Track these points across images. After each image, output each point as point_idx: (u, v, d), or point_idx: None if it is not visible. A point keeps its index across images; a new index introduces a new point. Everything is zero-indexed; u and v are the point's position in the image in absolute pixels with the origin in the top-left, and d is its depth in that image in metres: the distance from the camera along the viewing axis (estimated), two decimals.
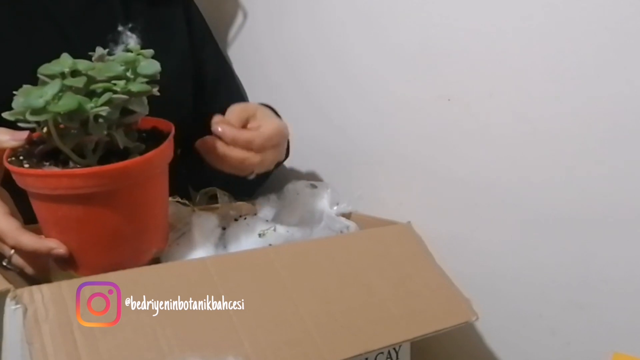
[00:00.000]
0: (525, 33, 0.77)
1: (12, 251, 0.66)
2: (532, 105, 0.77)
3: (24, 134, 0.67)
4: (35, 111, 0.60)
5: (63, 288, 0.56)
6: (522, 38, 0.77)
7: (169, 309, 0.59)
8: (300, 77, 1.08)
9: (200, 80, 1.05)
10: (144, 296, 0.59)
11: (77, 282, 0.57)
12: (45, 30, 0.87)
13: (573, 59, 0.73)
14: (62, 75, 0.62)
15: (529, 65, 0.77)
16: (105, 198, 0.63)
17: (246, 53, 1.19)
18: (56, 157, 0.65)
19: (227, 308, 0.63)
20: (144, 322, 0.58)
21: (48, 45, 0.86)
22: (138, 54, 0.67)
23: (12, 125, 0.65)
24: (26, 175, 0.63)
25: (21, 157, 0.66)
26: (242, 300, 0.64)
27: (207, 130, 0.82)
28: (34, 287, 0.55)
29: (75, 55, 0.86)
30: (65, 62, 0.63)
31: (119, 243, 0.67)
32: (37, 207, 0.66)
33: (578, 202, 0.74)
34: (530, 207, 0.79)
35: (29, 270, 0.68)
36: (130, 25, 0.92)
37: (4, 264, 0.68)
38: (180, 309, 0.60)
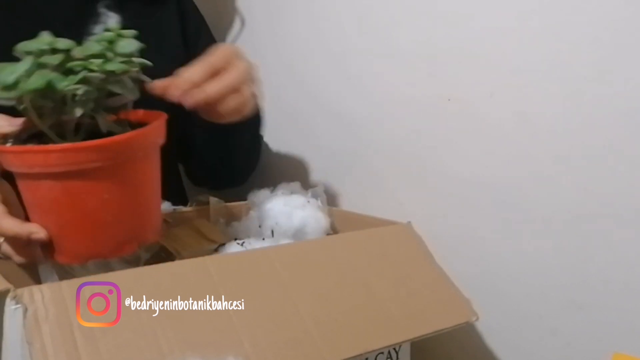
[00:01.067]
0: (525, 33, 0.77)
1: (2, 239, 0.66)
2: (533, 105, 0.77)
3: (20, 120, 0.66)
4: (7, 87, 0.58)
5: (63, 288, 0.56)
6: (523, 38, 0.77)
7: (169, 309, 0.59)
8: (300, 78, 1.08)
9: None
10: (144, 296, 0.59)
11: (77, 282, 0.57)
12: (37, 32, 0.87)
13: (573, 58, 0.73)
14: (40, 53, 0.60)
15: (529, 65, 0.77)
16: (83, 178, 0.61)
17: (246, 53, 1.19)
18: (40, 138, 0.64)
19: (227, 308, 0.63)
20: (144, 322, 0.58)
21: None
22: (117, 34, 0.65)
23: (12, 113, 0.64)
24: (5, 153, 0.62)
25: (10, 140, 0.65)
26: (242, 300, 0.64)
27: (199, 125, 0.80)
28: (34, 287, 0.55)
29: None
30: (43, 39, 0.62)
31: (99, 229, 0.64)
32: (20, 187, 0.64)
33: (578, 202, 0.74)
34: (530, 206, 0.79)
35: (17, 258, 0.67)
36: (106, 2, 0.91)
37: None
38: (180, 309, 0.60)
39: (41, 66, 0.60)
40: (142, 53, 0.95)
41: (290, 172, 1.11)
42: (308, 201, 0.89)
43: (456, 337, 0.84)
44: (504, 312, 0.83)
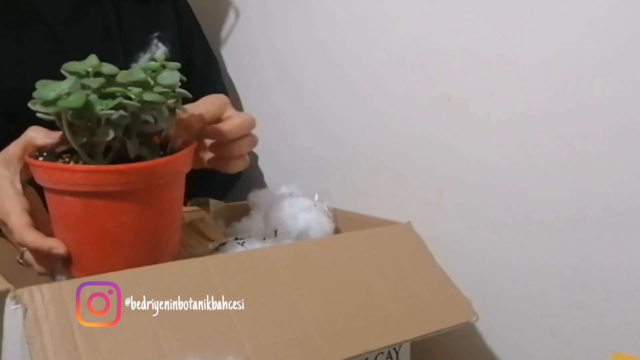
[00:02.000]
0: (525, 33, 0.77)
1: (25, 248, 0.68)
2: (533, 105, 0.77)
3: (57, 134, 0.68)
4: (46, 103, 0.61)
5: (63, 288, 0.56)
6: (523, 38, 0.77)
7: (169, 309, 0.59)
8: (296, 78, 1.08)
9: (187, 77, 1.04)
10: (144, 296, 0.59)
11: (77, 282, 0.57)
12: (36, 32, 0.87)
13: (573, 58, 0.73)
14: (84, 74, 0.64)
15: (529, 65, 0.77)
16: (104, 199, 0.63)
17: (239, 54, 1.19)
18: (72, 155, 0.67)
19: (227, 308, 0.63)
20: (144, 322, 0.58)
21: (39, 47, 0.86)
22: (162, 64, 0.67)
23: (52, 127, 0.66)
24: (34, 167, 0.65)
25: (44, 154, 0.68)
26: (242, 300, 0.64)
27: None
28: (34, 287, 0.55)
29: (66, 57, 0.86)
30: (90, 62, 0.65)
31: (115, 250, 0.66)
32: (47, 200, 0.67)
33: (578, 202, 0.74)
34: (530, 207, 0.79)
35: (37, 268, 0.69)
36: (157, 34, 0.92)
37: (18, 259, 0.70)
38: (180, 309, 0.60)
39: (83, 87, 0.62)
40: (140, 50, 0.95)
41: (290, 172, 1.11)
42: (314, 204, 0.89)
43: (456, 337, 0.84)
44: (504, 312, 0.83)
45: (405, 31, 0.90)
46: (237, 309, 0.63)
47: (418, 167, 0.90)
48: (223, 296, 0.63)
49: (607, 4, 0.69)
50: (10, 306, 0.53)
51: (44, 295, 0.55)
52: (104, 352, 0.54)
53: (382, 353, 0.78)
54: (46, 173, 0.64)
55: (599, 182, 0.72)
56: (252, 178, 1.12)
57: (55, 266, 0.68)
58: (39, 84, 0.63)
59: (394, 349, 0.79)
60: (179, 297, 0.61)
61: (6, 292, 0.54)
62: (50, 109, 0.61)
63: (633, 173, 0.70)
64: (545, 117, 0.76)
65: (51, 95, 0.61)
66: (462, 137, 0.84)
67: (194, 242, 0.83)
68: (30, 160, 0.66)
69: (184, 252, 0.79)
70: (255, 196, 0.94)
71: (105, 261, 0.66)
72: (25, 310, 0.53)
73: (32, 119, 0.83)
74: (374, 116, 0.96)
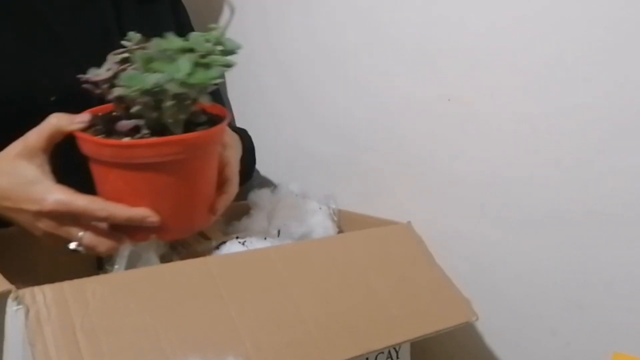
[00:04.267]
0: (525, 32, 0.77)
1: (81, 233, 0.68)
2: (533, 105, 0.77)
3: (84, 116, 0.70)
4: (181, 83, 0.65)
5: (65, 289, 0.56)
6: (523, 38, 0.77)
7: (170, 309, 0.59)
8: (296, 77, 1.08)
9: None
10: (146, 296, 0.59)
11: (78, 282, 0.57)
12: (37, 31, 0.86)
13: (573, 58, 0.73)
14: (187, 51, 0.67)
15: (529, 64, 0.77)
16: (181, 166, 0.69)
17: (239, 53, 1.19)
18: (110, 134, 0.69)
19: (228, 308, 0.63)
20: (146, 322, 0.58)
21: (40, 46, 0.86)
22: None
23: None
24: (115, 147, 0.67)
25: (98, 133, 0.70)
26: (243, 300, 0.64)
27: None
28: (36, 288, 0.55)
29: (67, 57, 0.87)
30: (176, 41, 0.69)
31: (190, 208, 0.73)
32: (121, 177, 0.68)
33: (578, 202, 0.74)
34: (530, 207, 0.79)
35: (102, 248, 0.69)
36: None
37: (72, 247, 0.69)
38: (181, 309, 0.60)
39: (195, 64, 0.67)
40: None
41: (290, 172, 1.10)
42: (320, 207, 0.89)
43: (456, 337, 0.84)
44: (504, 312, 0.83)
45: (405, 31, 0.90)
46: (238, 309, 0.63)
47: (418, 167, 0.90)
48: (224, 296, 0.63)
49: (606, 5, 0.69)
50: (12, 307, 0.53)
51: (46, 296, 0.55)
52: (106, 353, 0.54)
53: (382, 353, 0.78)
54: (152, 149, 0.67)
55: (599, 182, 0.73)
56: (252, 178, 1.12)
57: (120, 243, 0.69)
58: (125, 77, 0.66)
59: (394, 349, 0.79)
60: (180, 297, 0.61)
61: (8, 292, 0.53)
62: (182, 89, 0.65)
63: (633, 173, 0.70)
64: (545, 117, 0.76)
65: (179, 75, 0.65)
66: (463, 137, 0.84)
67: (193, 241, 0.83)
68: (107, 141, 0.67)
69: (183, 252, 0.79)
70: (255, 195, 0.94)
71: (184, 220, 0.72)
72: (27, 311, 0.53)
73: (33, 116, 0.82)
74: (374, 116, 0.96)
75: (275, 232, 0.86)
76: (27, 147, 0.70)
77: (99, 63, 0.89)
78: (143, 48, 0.70)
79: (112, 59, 0.72)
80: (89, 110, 0.73)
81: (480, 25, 0.81)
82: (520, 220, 0.80)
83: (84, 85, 0.71)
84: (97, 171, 0.70)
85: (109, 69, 0.70)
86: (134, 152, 0.67)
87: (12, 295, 0.53)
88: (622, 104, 0.70)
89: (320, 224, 0.86)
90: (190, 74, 0.65)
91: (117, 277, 0.60)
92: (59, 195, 0.67)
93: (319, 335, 0.66)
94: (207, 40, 0.69)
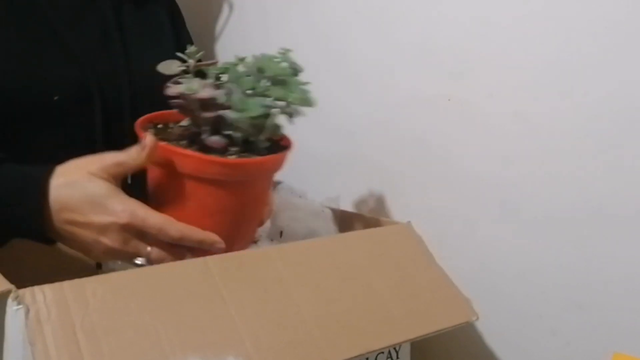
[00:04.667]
0: (525, 32, 0.77)
1: (149, 248, 0.68)
2: (533, 105, 0.77)
3: (151, 141, 0.69)
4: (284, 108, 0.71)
5: (65, 288, 0.56)
6: (523, 37, 0.77)
7: (171, 309, 0.59)
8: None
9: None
10: (146, 297, 0.59)
11: (78, 282, 0.57)
12: (40, 31, 0.87)
13: (573, 57, 0.73)
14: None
15: (529, 64, 0.77)
16: (250, 187, 0.72)
17: (237, 52, 1.18)
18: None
19: (228, 308, 0.63)
20: (146, 322, 0.57)
21: (42, 46, 0.86)
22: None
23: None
24: (206, 162, 0.68)
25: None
26: (243, 300, 0.64)
27: None
28: (36, 288, 0.55)
29: (69, 57, 0.87)
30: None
31: (252, 225, 0.77)
32: (198, 193, 0.70)
33: (578, 202, 0.74)
34: (530, 207, 0.79)
35: (167, 262, 0.69)
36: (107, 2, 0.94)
37: (138, 262, 0.71)
38: (182, 309, 0.60)
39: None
40: (142, 53, 0.95)
41: (289, 171, 1.10)
42: (323, 210, 0.89)
43: (456, 337, 0.84)
44: (504, 312, 0.83)
45: (405, 31, 0.90)
46: (238, 309, 0.63)
47: (418, 166, 0.90)
48: (225, 296, 0.63)
49: (606, 5, 0.69)
50: (12, 307, 0.53)
51: (46, 296, 0.55)
52: (106, 353, 0.54)
53: (382, 353, 0.78)
54: (228, 167, 0.69)
55: (599, 182, 0.73)
56: None
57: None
58: (238, 100, 0.69)
59: (394, 348, 0.79)
60: (180, 297, 0.61)
61: (8, 292, 0.53)
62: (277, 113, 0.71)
63: (632, 172, 0.70)
64: (545, 116, 0.76)
65: (285, 98, 0.71)
66: (462, 136, 0.84)
67: None
68: (215, 158, 0.69)
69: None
70: None
71: (241, 239, 0.75)
72: (27, 311, 0.53)
73: (36, 115, 0.82)
74: (375, 116, 0.96)
75: (278, 232, 0.85)
76: (102, 167, 0.69)
77: (100, 63, 0.90)
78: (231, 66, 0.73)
79: (206, 76, 0.72)
80: (144, 119, 0.74)
81: (480, 25, 0.81)
82: (521, 220, 0.80)
83: (175, 101, 0.70)
84: (180, 186, 0.70)
85: (204, 86, 0.70)
86: (241, 170, 0.70)
87: (12, 295, 0.53)
88: (622, 103, 0.70)
89: (323, 227, 0.86)
90: (291, 99, 0.70)
91: (117, 277, 0.60)
92: (137, 209, 0.68)
93: (319, 335, 0.66)
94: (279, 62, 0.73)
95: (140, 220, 0.67)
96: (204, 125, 0.70)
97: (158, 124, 0.76)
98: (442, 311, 0.77)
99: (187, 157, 0.68)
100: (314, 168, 1.07)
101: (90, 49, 0.90)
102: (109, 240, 0.68)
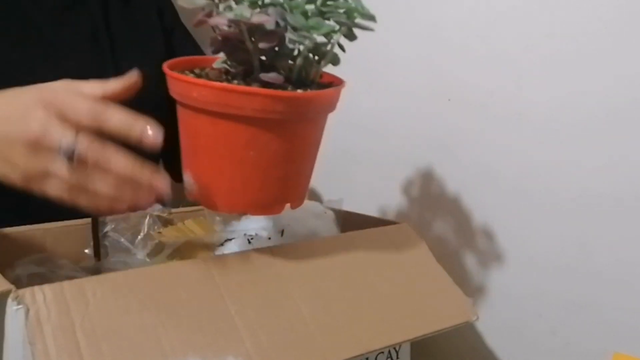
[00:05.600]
0: (525, 32, 0.77)
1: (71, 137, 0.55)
2: (533, 105, 0.77)
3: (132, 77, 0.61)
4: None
5: (65, 289, 0.56)
6: (523, 38, 0.77)
7: (171, 309, 0.59)
8: None
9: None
10: (146, 297, 0.59)
11: (78, 282, 0.57)
12: (25, 35, 0.84)
13: (573, 57, 0.73)
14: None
15: (529, 64, 0.77)
16: (273, 127, 0.61)
17: None
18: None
19: (228, 308, 0.63)
20: (146, 322, 0.57)
21: (28, 50, 0.83)
22: None
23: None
24: (197, 85, 0.59)
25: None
26: (244, 300, 0.64)
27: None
28: (36, 288, 0.55)
29: (55, 61, 0.84)
30: None
31: (263, 182, 0.64)
32: (192, 123, 0.62)
33: (578, 202, 0.75)
34: (530, 207, 0.79)
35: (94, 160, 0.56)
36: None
37: (64, 147, 0.55)
38: (182, 309, 0.60)
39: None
40: (129, 55, 0.92)
41: None
42: (325, 212, 0.89)
43: (456, 337, 0.84)
44: (504, 312, 0.83)
45: (405, 31, 0.90)
46: (238, 309, 0.63)
47: (418, 166, 0.90)
48: (224, 296, 0.63)
49: (606, 5, 0.70)
50: (12, 307, 0.52)
51: (46, 296, 0.54)
52: (106, 353, 0.53)
53: (382, 353, 0.78)
54: (292, 102, 0.60)
55: (599, 182, 0.73)
56: None
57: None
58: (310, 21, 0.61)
59: (394, 348, 0.79)
60: (180, 297, 0.61)
61: (8, 292, 0.53)
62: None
63: (632, 173, 0.70)
64: (545, 117, 0.76)
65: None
66: (462, 136, 0.84)
67: (195, 242, 0.83)
68: (186, 77, 0.60)
69: (185, 252, 0.79)
70: None
71: (248, 193, 0.64)
72: (27, 311, 0.53)
73: None
74: (374, 116, 0.96)
75: (279, 232, 0.85)
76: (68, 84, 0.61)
77: (87, 68, 0.85)
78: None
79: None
80: (171, 63, 0.65)
81: (480, 25, 0.81)
82: (521, 220, 0.80)
83: (218, 33, 0.60)
84: (238, 136, 0.61)
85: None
86: (316, 105, 0.63)
87: (12, 295, 0.53)
88: (622, 102, 0.70)
89: (325, 228, 0.86)
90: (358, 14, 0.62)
91: (117, 277, 0.59)
92: (65, 81, 0.59)
93: (319, 335, 0.66)
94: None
95: (68, 84, 0.59)
96: (256, 58, 0.61)
97: (190, 68, 0.67)
98: (442, 311, 0.77)
99: (252, 96, 0.58)
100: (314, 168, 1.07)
101: (77, 53, 0.86)
102: (36, 124, 0.56)
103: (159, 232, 0.84)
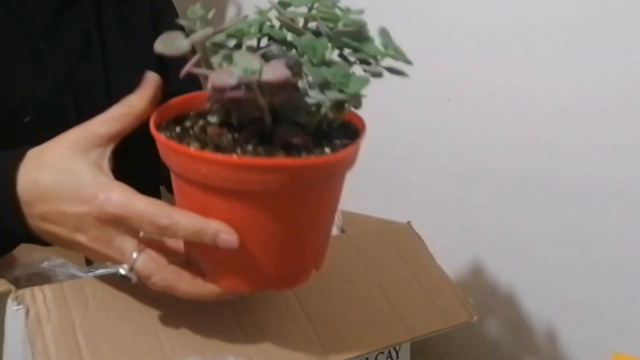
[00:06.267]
0: (525, 33, 0.77)
1: (136, 254, 0.53)
2: (533, 105, 0.77)
3: (153, 77, 0.55)
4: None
5: (65, 289, 0.56)
6: (523, 38, 0.77)
7: (170, 309, 0.59)
8: None
9: (165, 75, 0.91)
10: (146, 297, 0.59)
11: (78, 282, 0.57)
12: (13, 42, 0.77)
13: (573, 57, 0.73)
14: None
15: (529, 64, 0.77)
16: (300, 195, 0.52)
17: None
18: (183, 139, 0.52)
19: (228, 308, 0.63)
20: (146, 323, 0.57)
21: (14, 57, 0.77)
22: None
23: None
24: (205, 161, 0.49)
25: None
26: (243, 300, 0.64)
27: None
28: (36, 288, 0.55)
29: (44, 69, 0.77)
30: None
31: (294, 253, 0.55)
32: (193, 198, 0.52)
33: (578, 203, 0.75)
34: (530, 207, 0.79)
35: (157, 278, 0.53)
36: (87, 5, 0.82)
37: (122, 272, 0.53)
38: (182, 310, 0.60)
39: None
40: (119, 58, 0.85)
41: None
42: None
43: (456, 337, 0.84)
44: (504, 312, 0.83)
45: (405, 31, 0.90)
46: (238, 310, 0.63)
47: (418, 166, 0.90)
48: None
49: (606, 5, 0.70)
50: (12, 307, 0.53)
51: (46, 296, 0.54)
52: (106, 353, 0.54)
53: (382, 353, 0.78)
54: (230, 171, 0.48)
55: (599, 183, 0.73)
56: None
57: (181, 277, 0.54)
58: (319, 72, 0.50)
59: (394, 348, 0.79)
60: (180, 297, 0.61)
61: (8, 292, 0.53)
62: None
63: (632, 173, 0.70)
64: (545, 117, 0.76)
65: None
66: (462, 136, 0.84)
67: None
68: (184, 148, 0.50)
69: None
70: None
71: (264, 270, 0.55)
72: (27, 311, 0.53)
73: (10, 131, 0.72)
74: (374, 115, 0.96)
75: None
76: (87, 134, 0.54)
77: (77, 75, 0.79)
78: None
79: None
80: (184, 97, 0.57)
81: (480, 25, 0.81)
82: (520, 220, 0.80)
83: (224, 95, 0.48)
84: (210, 199, 0.51)
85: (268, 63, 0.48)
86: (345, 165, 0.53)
87: (12, 295, 0.53)
88: (622, 102, 0.70)
89: None
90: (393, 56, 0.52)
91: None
92: (115, 195, 0.51)
93: (319, 335, 0.66)
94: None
95: (120, 207, 0.51)
96: (268, 114, 0.51)
97: (176, 120, 0.56)
98: (442, 311, 0.77)
99: (279, 170, 0.49)
100: None
101: (69, 59, 0.80)
102: (85, 238, 0.53)
103: None
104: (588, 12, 0.71)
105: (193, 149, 0.50)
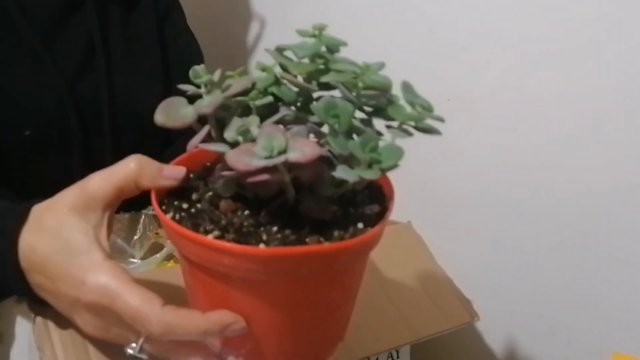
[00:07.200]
0: (525, 33, 0.77)
1: (142, 340, 0.49)
2: (533, 105, 0.77)
3: (180, 171, 0.50)
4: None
5: None
6: (523, 38, 0.77)
7: None
8: None
9: (169, 79, 0.89)
10: None
11: None
12: (13, 50, 0.75)
13: (573, 57, 0.73)
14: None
15: (529, 64, 0.77)
16: (333, 276, 0.49)
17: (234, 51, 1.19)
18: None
19: None
20: None
21: (15, 68, 0.75)
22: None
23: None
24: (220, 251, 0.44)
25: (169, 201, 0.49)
26: None
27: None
28: None
29: (44, 78, 0.75)
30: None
31: (324, 331, 0.52)
32: (203, 281, 0.48)
33: (578, 203, 0.75)
34: (530, 207, 0.79)
35: (170, 354, 0.51)
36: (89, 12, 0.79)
37: (130, 352, 0.50)
38: None
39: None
40: (123, 67, 0.83)
41: None
42: None
43: (456, 337, 0.85)
44: (504, 312, 0.83)
45: (405, 31, 0.90)
46: None
47: (418, 167, 0.90)
48: None
49: (605, 5, 0.70)
50: (19, 313, 0.52)
51: None
52: (115, 358, 0.53)
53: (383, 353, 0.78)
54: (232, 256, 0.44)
55: (599, 183, 0.73)
56: None
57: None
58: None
59: (394, 349, 0.79)
60: (182, 298, 0.60)
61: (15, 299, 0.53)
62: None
63: (632, 173, 0.70)
64: (545, 117, 0.76)
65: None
66: (462, 136, 0.84)
67: None
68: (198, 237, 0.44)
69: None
70: None
71: (288, 354, 0.51)
72: (35, 317, 0.52)
73: (11, 146, 0.71)
74: None
75: None
76: (85, 196, 0.51)
77: (80, 86, 0.77)
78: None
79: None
80: (179, 159, 0.52)
81: (480, 25, 0.81)
82: (520, 220, 0.80)
83: (248, 180, 0.43)
84: (232, 289, 0.47)
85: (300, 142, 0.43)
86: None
87: (20, 301, 0.53)
88: (622, 103, 0.70)
89: None
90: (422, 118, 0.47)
91: None
92: (103, 279, 0.47)
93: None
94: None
95: (109, 298, 0.47)
96: (291, 189, 0.46)
97: (179, 190, 0.51)
98: (442, 311, 0.77)
99: (312, 256, 0.45)
100: None
101: (71, 69, 0.78)
102: (80, 321, 0.50)
103: (156, 233, 0.83)
104: (588, 12, 0.71)
105: (212, 237, 0.44)
